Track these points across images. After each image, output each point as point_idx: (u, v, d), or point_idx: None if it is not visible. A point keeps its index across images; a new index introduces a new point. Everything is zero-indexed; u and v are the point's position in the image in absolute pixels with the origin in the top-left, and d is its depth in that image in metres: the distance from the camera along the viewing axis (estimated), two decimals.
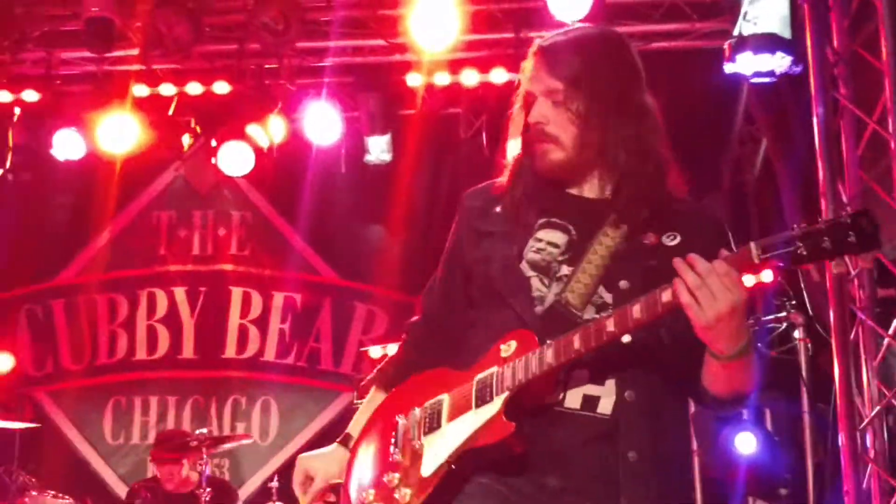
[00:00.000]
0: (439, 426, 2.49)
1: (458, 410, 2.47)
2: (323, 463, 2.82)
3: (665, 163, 2.53)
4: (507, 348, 2.43)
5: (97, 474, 8.69)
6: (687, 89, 6.91)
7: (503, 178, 2.64)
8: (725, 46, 6.30)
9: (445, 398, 2.52)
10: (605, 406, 2.40)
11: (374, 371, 2.86)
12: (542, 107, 2.49)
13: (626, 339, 2.32)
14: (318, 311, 9.01)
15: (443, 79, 7.74)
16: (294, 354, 8.95)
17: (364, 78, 7.99)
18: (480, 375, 2.45)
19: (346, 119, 8.13)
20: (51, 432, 8.54)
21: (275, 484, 6.97)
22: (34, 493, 6.25)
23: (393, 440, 2.58)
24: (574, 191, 2.56)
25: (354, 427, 2.80)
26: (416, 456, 2.49)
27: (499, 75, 7.56)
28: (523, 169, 2.58)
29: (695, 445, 6.45)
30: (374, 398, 2.81)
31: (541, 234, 2.53)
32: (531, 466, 2.40)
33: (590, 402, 2.41)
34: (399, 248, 8.77)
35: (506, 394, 2.38)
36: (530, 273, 2.50)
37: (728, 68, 6.30)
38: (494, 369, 2.43)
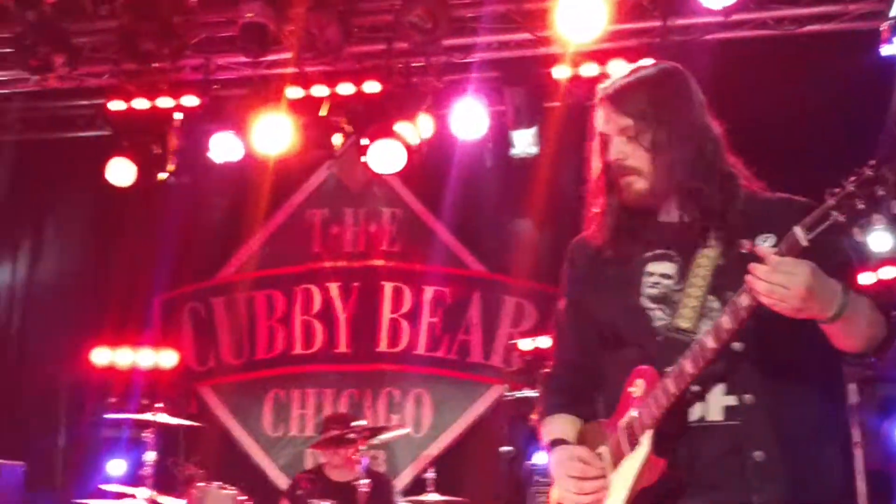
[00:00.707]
0: (606, 478, 2.68)
1: (617, 459, 2.65)
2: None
3: (733, 173, 2.71)
4: (636, 389, 2.61)
5: (258, 466, 8.93)
6: (839, 73, 6.75)
7: (597, 226, 2.80)
8: (883, 28, 6.11)
9: (605, 450, 2.70)
10: (732, 412, 2.54)
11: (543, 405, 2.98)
12: (618, 144, 2.69)
13: (738, 346, 2.50)
14: (467, 304, 9.07)
15: (590, 70, 7.70)
16: (444, 347, 9.03)
17: (510, 72, 8.01)
18: (623, 421, 2.63)
19: (492, 113, 8.16)
20: (213, 425, 8.81)
21: (430, 475, 7.06)
22: (201, 484, 6.40)
23: None
24: (664, 218, 2.74)
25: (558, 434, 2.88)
26: None
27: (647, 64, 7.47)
28: (612, 210, 2.76)
29: (857, 438, 6.28)
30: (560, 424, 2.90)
31: (650, 267, 2.71)
32: (693, 486, 2.55)
33: (723, 411, 2.55)
34: (546, 241, 8.76)
35: (648, 433, 2.55)
36: (651, 306, 2.67)
37: (885, 50, 6.10)
38: (632, 412, 2.60)
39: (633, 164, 2.69)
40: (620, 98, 2.71)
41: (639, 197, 2.71)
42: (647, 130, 2.67)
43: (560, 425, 2.86)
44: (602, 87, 2.79)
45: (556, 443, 2.81)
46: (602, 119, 2.75)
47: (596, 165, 2.81)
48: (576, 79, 7.87)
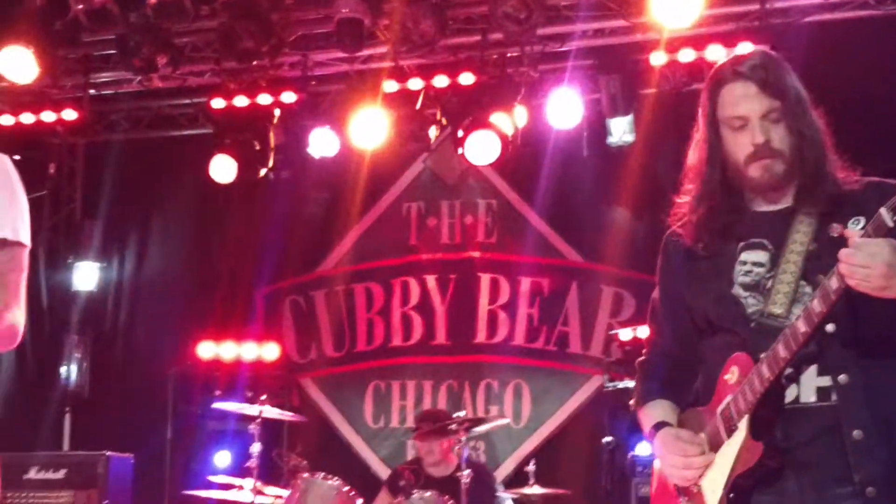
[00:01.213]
0: (708, 458, 2.73)
1: (715, 445, 2.70)
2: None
3: (832, 156, 2.73)
4: (732, 375, 2.66)
5: (360, 457, 9.03)
6: None
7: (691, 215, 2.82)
8: None
9: (703, 437, 2.75)
10: (826, 393, 2.58)
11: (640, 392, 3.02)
12: (763, 126, 2.67)
13: (830, 328, 2.54)
14: (564, 294, 9.03)
15: (687, 55, 7.62)
16: (543, 338, 9.01)
17: (605, 60, 7.96)
18: (721, 407, 2.68)
19: (587, 102, 8.12)
20: (316, 417, 8.92)
21: (531, 467, 7.05)
22: (306, 474, 6.48)
23: (676, 489, 2.83)
24: (760, 207, 2.77)
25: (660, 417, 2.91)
26: (700, 498, 2.74)
27: (745, 49, 7.36)
28: (710, 196, 2.76)
29: None
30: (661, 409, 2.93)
31: (743, 256, 2.74)
32: (788, 467, 2.60)
33: (816, 392, 2.60)
34: (644, 229, 8.68)
35: (745, 417, 2.59)
36: (744, 294, 2.71)
37: None
38: (729, 398, 2.65)
39: (778, 146, 2.67)
40: (763, 77, 2.67)
41: (774, 181, 2.71)
42: (790, 114, 2.67)
43: (661, 410, 2.90)
44: (730, 65, 2.73)
45: (660, 425, 2.85)
46: (737, 101, 2.69)
47: (699, 152, 2.81)
48: (672, 65, 7.79)
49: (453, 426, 6.61)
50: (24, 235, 2.75)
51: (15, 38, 7.52)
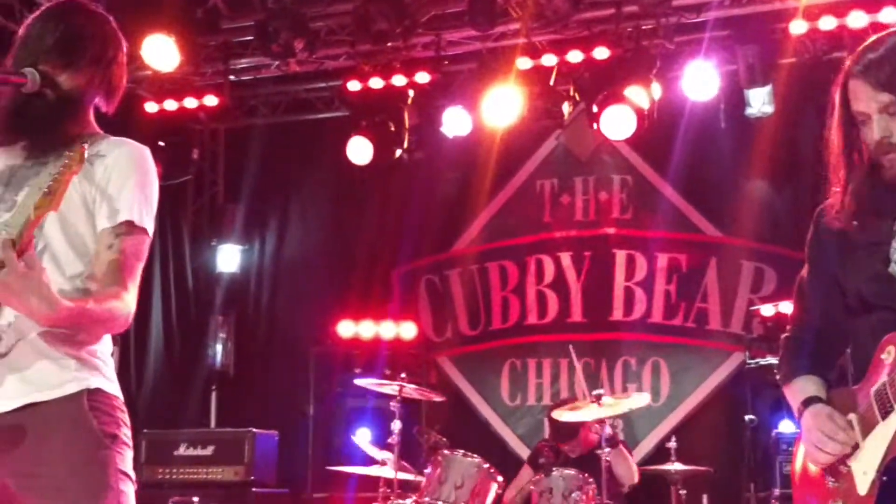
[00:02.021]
0: (858, 446, 2.66)
1: (868, 426, 2.63)
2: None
3: None
4: (888, 355, 2.60)
5: (498, 434, 9.06)
6: None
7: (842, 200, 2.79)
8: None
9: (854, 417, 2.68)
10: None
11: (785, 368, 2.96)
12: (882, 122, 2.65)
13: None
14: (703, 270, 8.88)
15: (827, 23, 7.40)
16: (681, 315, 8.88)
17: (742, 29, 7.79)
18: (875, 387, 2.62)
19: (724, 73, 7.97)
20: (453, 395, 8.96)
21: (673, 444, 6.97)
22: (446, 452, 6.53)
23: (823, 470, 2.77)
24: None
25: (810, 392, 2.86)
26: (849, 479, 2.67)
27: (889, 14, 7.11)
28: (859, 185, 2.74)
29: None
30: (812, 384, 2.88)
31: None
32: None
33: None
34: (785, 202, 8.50)
35: None
36: None
37: None
38: (884, 378, 2.59)
39: None
40: (876, 74, 2.64)
41: None
42: None
43: (812, 385, 2.85)
44: (853, 59, 2.71)
45: (810, 400, 2.80)
46: (858, 97, 2.69)
47: (836, 140, 2.79)
48: (812, 33, 7.58)
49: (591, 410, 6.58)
50: (149, 224, 2.74)
51: (157, 27, 7.74)
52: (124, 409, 2.71)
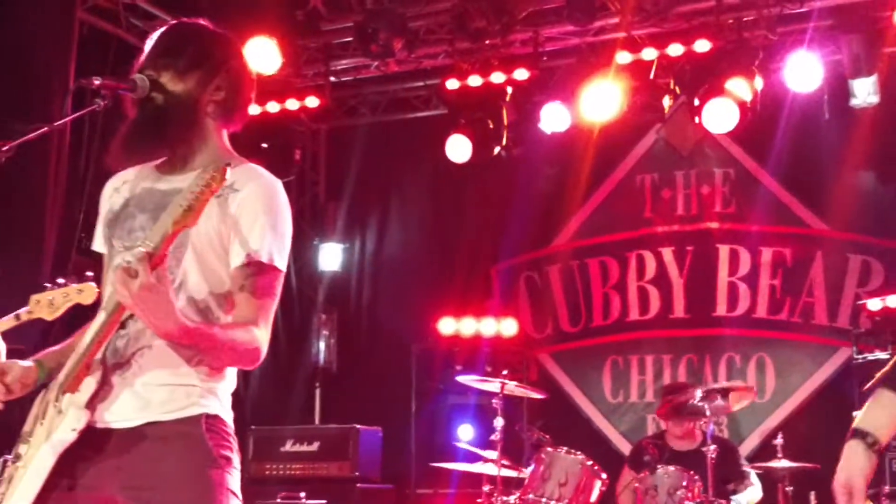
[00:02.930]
0: None
1: None
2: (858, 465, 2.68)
3: None
4: None
5: (600, 431, 9.01)
6: None
7: None
8: None
9: None
10: None
11: (880, 374, 2.76)
12: None
13: None
14: (808, 264, 8.72)
15: None
16: (787, 310, 8.73)
17: (846, 19, 7.63)
18: None
19: (828, 63, 7.82)
20: (554, 392, 8.93)
21: (779, 441, 6.88)
22: (549, 448, 6.52)
23: None
24: None
25: (868, 423, 2.68)
26: None
27: None
28: None
29: None
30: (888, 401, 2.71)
31: None
32: None
33: None
34: (892, 194, 8.31)
35: None
36: None
37: None
38: None
39: None
40: None
41: None
42: None
43: (876, 410, 2.68)
44: None
45: (856, 433, 2.64)
46: None
47: None
48: None
49: (697, 402, 6.52)
50: (280, 261, 2.75)
51: (259, 30, 7.87)
52: (235, 436, 2.78)
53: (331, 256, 10.01)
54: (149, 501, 2.63)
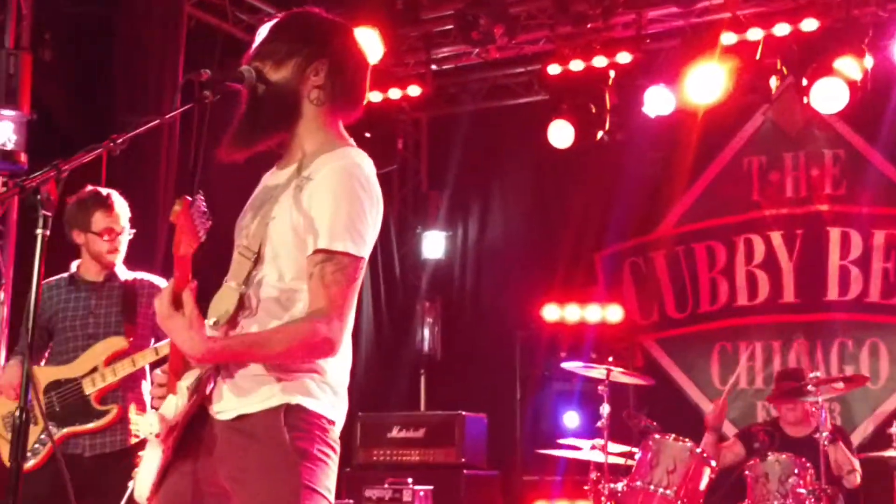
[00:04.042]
0: None
1: None
2: None
3: None
4: None
5: None
6: None
7: None
8: None
9: None
10: None
11: None
12: None
13: None
14: None
15: None
16: None
17: None
18: None
19: None
20: (662, 378, 8.83)
21: (894, 429, 6.69)
22: (657, 435, 6.46)
23: None
24: None
25: None
26: None
27: None
28: None
29: None
30: None
31: None
32: None
33: None
34: None
35: None
36: None
37: None
38: None
39: None
40: None
41: None
42: None
43: None
44: None
45: None
46: None
47: None
48: None
49: (810, 388, 6.38)
50: (352, 246, 2.66)
51: (360, 20, 7.92)
52: (328, 427, 2.72)
53: (434, 244, 10.07)
54: (238, 494, 2.65)
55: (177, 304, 2.58)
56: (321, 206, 2.66)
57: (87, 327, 4.83)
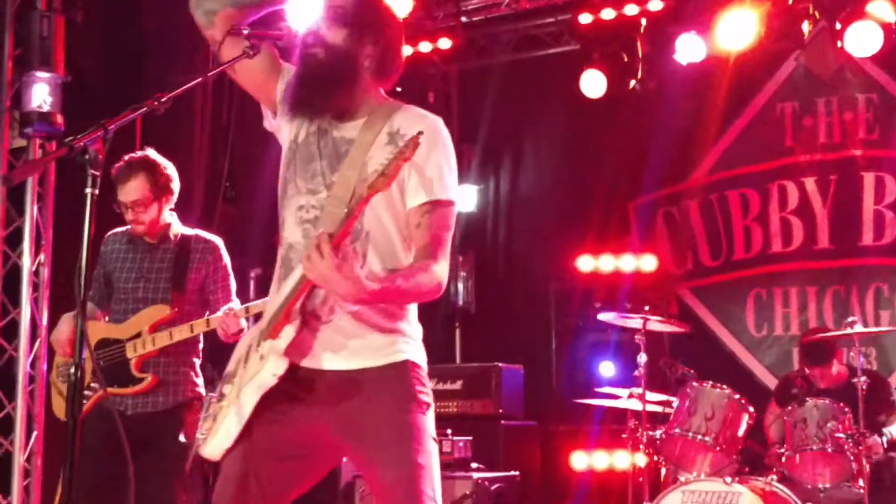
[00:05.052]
0: None
1: None
2: None
3: None
4: None
5: (744, 366, 8.88)
6: None
7: None
8: None
9: None
10: None
11: None
12: None
13: None
14: None
15: None
16: None
17: None
18: None
19: None
20: (697, 327, 8.81)
21: None
22: (694, 383, 6.48)
23: None
24: None
25: None
26: None
27: None
28: None
29: None
30: None
31: None
32: None
33: None
34: None
35: None
36: None
37: None
38: None
39: None
40: None
41: None
42: None
43: None
44: None
45: None
46: None
47: None
48: None
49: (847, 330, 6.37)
50: (452, 193, 2.97)
51: None
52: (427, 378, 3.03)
53: (466, 197, 10.05)
54: (363, 440, 2.90)
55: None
56: (426, 160, 2.90)
57: (137, 291, 4.90)
